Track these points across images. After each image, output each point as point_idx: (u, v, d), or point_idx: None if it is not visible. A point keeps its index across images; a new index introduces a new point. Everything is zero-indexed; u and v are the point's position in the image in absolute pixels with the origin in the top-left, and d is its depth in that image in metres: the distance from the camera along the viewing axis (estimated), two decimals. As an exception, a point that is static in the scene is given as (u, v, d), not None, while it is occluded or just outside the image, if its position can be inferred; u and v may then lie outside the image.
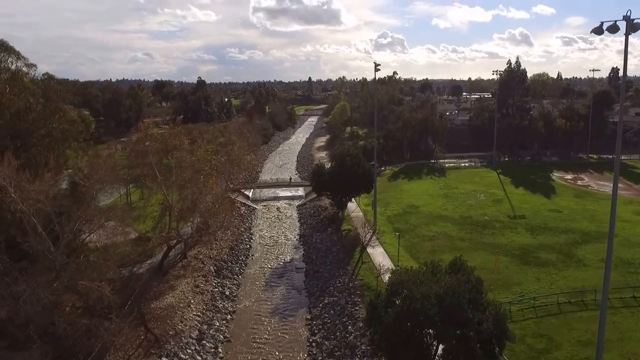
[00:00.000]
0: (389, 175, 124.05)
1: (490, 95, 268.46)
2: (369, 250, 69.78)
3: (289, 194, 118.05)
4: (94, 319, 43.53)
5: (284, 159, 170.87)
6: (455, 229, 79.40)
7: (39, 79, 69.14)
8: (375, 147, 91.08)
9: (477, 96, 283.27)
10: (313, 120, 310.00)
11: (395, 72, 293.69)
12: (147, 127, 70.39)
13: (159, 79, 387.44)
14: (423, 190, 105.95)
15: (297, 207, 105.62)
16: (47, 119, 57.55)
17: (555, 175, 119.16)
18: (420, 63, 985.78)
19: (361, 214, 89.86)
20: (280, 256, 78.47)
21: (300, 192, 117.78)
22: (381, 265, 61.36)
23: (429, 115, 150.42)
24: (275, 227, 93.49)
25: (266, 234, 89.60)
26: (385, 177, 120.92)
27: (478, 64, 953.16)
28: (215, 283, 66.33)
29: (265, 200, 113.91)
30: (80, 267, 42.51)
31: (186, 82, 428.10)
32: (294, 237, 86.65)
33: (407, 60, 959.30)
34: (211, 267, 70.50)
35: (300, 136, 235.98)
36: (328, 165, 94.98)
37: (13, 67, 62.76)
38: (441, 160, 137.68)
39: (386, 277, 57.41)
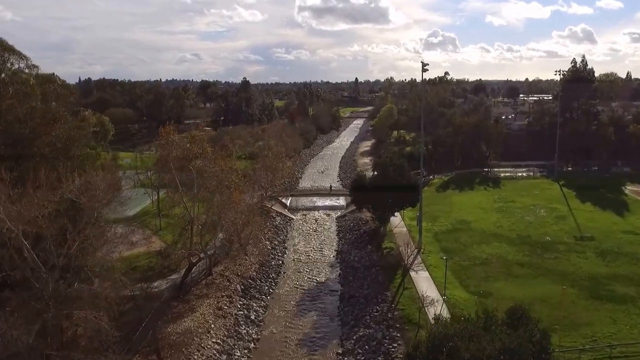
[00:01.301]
0: (438, 184, 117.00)
1: (551, 98, 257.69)
2: (412, 273, 63.55)
3: (328, 203, 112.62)
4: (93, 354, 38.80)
5: (326, 165, 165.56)
6: (512, 251, 72.26)
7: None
8: (422, 154, 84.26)
9: (535, 98, 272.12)
10: (359, 122, 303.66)
11: (446, 73, 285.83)
12: (168, 133, 65.62)
13: (207, 80, 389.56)
14: (475, 203, 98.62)
15: (336, 218, 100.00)
16: (47, 125, 53.28)
17: (629, 189, 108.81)
18: (473, 63, 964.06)
19: (405, 229, 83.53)
20: (314, 275, 72.94)
21: (341, 201, 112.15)
22: (425, 294, 55.15)
23: (483, 120, 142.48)
24: (311, 240, 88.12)
25: (301, 248, 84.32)
26: (434, 187, 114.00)
27: (535, 63, 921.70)
28: (240, 305, 61.32)
29: (304, 209, 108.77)
30: (75, 294, 37.78)
31: (233, 83, 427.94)
32: (331, 254, 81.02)
33: (459, 60, 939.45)
34: (238, 286, 65.59)
35: (344, 140, 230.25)
36: (370, 174, 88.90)
37: (15, 67, 58.77)
38: (496, 170, 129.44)
39: (430, 311, 51.53)
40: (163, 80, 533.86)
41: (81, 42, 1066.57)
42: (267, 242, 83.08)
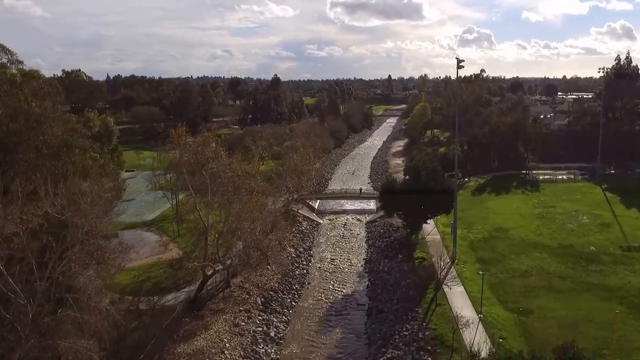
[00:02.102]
0: (473, 188, 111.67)
1: (592, 96, 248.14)
2: (446, 288, 58.88)
3: (358, 207, 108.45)
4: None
5: (356, 165, 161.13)
6: (553, 262, 67.05)
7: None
8: (457, 156, 79.08)
9: (574, 97, 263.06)
10: (392, 121, 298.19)
11: (482, 70, 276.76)
12: (179, 136, 61.89)
13: (238, 76, 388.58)
14: (513, 209, 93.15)
15: (366, 223, 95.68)
16: (31, 128, 49.12)
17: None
18: (509, 60, 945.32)
19: (438, 237, 78.83)
20: (341, 286, 68.83)
21: (372, 205, 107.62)
22: (459, 313, 50.47)
23: (521, 119, 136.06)
24: (339, 248, 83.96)
25: (328, 256, 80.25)
26: (469, 191, 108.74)
27: (573, 60, 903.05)
28: (259, 320, 57.57)
29: (332, 213, 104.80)
30: (59, 323, 33.97)
31: (265, 80, 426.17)
32: (359, 263, 76.74)
33: (494, 57, 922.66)
34: (257, 299, 61.87)
35: (376, 139, 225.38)
36: (401, 178, 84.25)
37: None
38: (534, 172, 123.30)
39: (466, 334, 47.06)
40: (194, 77, 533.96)
41: (112, 38, 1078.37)
42: (292, 250, 79.41)
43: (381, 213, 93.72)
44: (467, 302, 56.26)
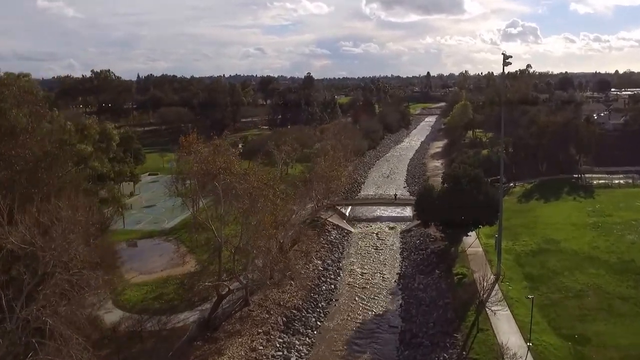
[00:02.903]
0: (519, 194, 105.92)
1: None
2: (489, 310, 54.01)
3: (392, 214, 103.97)
4: None
5: (392, 168, 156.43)
6: (612, 280, 61.65)
7: None
8: (502, 159, 73.61)
9: (630, 93, 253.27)
10: (430, 120, 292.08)
11: (528, 66, 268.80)
12: (190, 143, 58.17)
13: (271, 75, 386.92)
14: (564, 217, 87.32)
15: (400, 233, 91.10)
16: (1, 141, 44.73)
17: None
18: (556, 54, 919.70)
19: (480, 250, 73.87)
20: (372, 305, 64.51)
21: (407, 212, 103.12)
22: (505, 342, 45.74)
23: (572, 118, 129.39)
24: (370, 260, 79.61)
25: (358, 269, 75.96)
26: (515, 197, 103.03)
27: (626, 54, 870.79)
28: (279, 343, 53.72)
29: (364, 220, 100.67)
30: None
31: (298, 78, 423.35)
32: (392, 278, 72.26)
33: (540, 51, 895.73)
34: (279, 319, 58.07)
35: (414, 140, 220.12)
36: (439, 185, 79.38)
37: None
38: (587, 176, 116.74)
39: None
40: (226, 75, 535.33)
41: (145, 38, 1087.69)
42: (319, 262, 75.53)
43: (417, 221, 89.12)
44: (514, 327, 51.47)
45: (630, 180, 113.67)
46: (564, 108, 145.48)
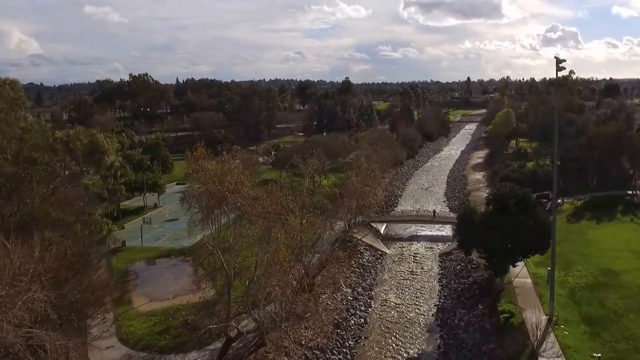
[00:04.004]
0: (569, 212, 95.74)
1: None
2: (543, 361, 45.08)
3: (431, 233, 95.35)
4: None
5: (431, 179, 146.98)
6: (689, 326, 51.62)
7: None
8: (557, 176, 62.64)
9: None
10: (471, 128, 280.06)
11: (572, 72, 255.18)
12: (199, 157, 50.14)
13: (311, 79, 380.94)
14: (621, 242, 77.10)
15: (439, 256, 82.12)
16: None
17: None
18: (597, 60, 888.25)
19: (529, 281, 64.58)
20: (405, 344, 56.02)
21: (446, 231, 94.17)
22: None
23: (625, 129, 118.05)
24: (406, 288, 70.99)
25: (392, 299, 67.40)
26: (564, 216, 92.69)
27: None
28: (299, 394, 45.71)
29: (400, 240, 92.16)
30: None
31: (337, 83, 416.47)
32: (429, 311, 63.47)
33: (581, 57, 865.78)
34: (299, 362, 49.98)
35: (453, 149, 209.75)
36: (482, 207, 70.07)
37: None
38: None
39: None
40: (266, 80, 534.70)
41: (186, 42, 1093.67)
42: (348, 290, 67.22)
43: (457, 243, 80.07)
44: (574, 387, 42.43)
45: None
46: (614, 117, 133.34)
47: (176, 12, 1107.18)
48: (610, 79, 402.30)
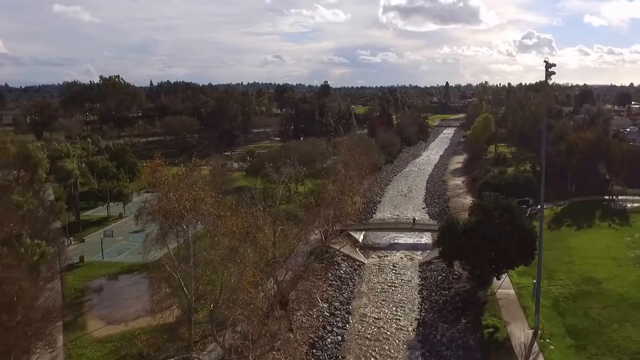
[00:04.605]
0: (550, 218, 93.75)
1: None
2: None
3: (411, 240, 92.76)
4: None
5: (410, 185, 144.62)
6: (674, 339, 49.79)
7: None
8: (543, 185, 59.96)
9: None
10: (449, 132, 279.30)
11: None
12: (155, 168, 44.86)
13: (290, 83, 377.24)
14: (602, 249, 75.64)
15: (419, 265, 79.62)
16: None
17: None
18: (570, 67, 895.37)
19: (512, 292, 62.30)
20: (384, 364, 53.16)
21: (426, 238, 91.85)
22: None
23: (603, 135, 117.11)
24: (385, 301, 67.74)
25: (370, 313, 64.12)
26: (545, 222, 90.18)
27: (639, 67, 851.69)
28: None
29: (379, 249, 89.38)
30: None
31: (316, 86, 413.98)
32: (410, 325, 60.33)
33: (555, 63, 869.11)
34: (269, 390, 46.75)
35: (432, 153, 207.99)
36: (465, 217, 67.88)
37: None
38: (620, 198, 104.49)
39: None
40: (245, 83, 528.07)
41: (163, 44, 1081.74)
42: (325, 305, 63.94)
43: (438, 252, 77.77)
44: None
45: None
46: (593, 123, 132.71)
47: (153, 13, 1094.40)
48: (585, 85, 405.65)
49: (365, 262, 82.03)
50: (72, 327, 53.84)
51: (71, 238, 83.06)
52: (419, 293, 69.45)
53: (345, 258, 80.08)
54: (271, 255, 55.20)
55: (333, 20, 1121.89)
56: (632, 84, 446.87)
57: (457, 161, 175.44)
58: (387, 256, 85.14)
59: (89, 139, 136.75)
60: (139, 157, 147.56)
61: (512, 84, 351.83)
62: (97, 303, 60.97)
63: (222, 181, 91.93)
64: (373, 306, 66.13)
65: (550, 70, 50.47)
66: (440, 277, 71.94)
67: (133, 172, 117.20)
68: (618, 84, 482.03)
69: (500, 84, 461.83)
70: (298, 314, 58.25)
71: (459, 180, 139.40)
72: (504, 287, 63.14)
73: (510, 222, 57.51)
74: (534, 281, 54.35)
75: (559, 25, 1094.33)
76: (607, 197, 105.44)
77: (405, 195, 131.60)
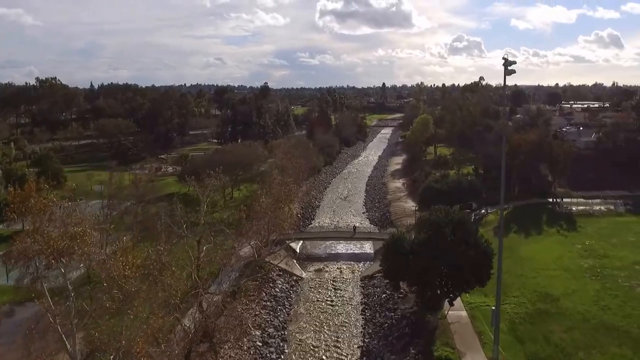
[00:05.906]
0: (495, 223, 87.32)
1: (608, 106, 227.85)
2: None
3: (352, 250, 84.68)
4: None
5: (349, 187, 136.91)
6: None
7: None
8: (503, 190, 53.11)
9: (582, 106, 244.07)
10: (387, 132, 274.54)
11: (481, 78, 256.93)
12: (26, 197, 33.47)
13: (231, 84, 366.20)
14: (554, 259, 69.93)
15: (361, 280, 71.47)
16: None
17: None
18: (498, 68, 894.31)
19: (464, 313, 54.82)
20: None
21: (368, 248, 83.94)
22: None
23: (545, 136, 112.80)
24: (325, 323, 58.97)
25: (308, 339, 55.30)
26: (490, 229, 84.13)
27: (563, 68, 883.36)
28: None
29: (318, 260, 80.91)
30: None
31: (257, 88, 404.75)
32: (352, 355, 51.97)
33: (484, 64, 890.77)
34: None
35: (371, 154, 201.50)
36: (412, 234, 60.02)
37: None
38: (565, 201, 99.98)
39: None
40: (188, 85, 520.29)
41: (107, 47, 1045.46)
42: (257, 333, 54.77)
43: (382, 269, 69.59)
44: None
45: (612, 207, 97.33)
46: (534, 123, 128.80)
47: (97, 17, 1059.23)
48: (515, 85, 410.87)
49: (303, 276, 73.36)
50: None
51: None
52: (361, 314, 60.99)
53: (281, 273, 71.02)
54: (193, 282, 45.96)
55: (272, 24, 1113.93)
56: (557, 84, 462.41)
57: (397, 162, 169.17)
58: (326, 268, 76.80)
59: (12, 144, 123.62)
60: (68, 162, 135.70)
61: (445, 85, 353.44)
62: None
63: (144, 190, 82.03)
64: (311, 330, 57.22)
65: (510, 70, 42.70)
66: (384, 295, 63.64)
67: (58, 179, 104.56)
68: (545, 84, 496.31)
69: (434, 85, 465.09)
70: (226, 347, 48.80)
71: (399, 183, 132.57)
72: (456, 308, 55.48)
73: (464, 239, 49.77)
74: (493, 308, 46.63)
75: (487, 28, 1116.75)
76: (550, 200, 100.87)
77: (345, 198, 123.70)
